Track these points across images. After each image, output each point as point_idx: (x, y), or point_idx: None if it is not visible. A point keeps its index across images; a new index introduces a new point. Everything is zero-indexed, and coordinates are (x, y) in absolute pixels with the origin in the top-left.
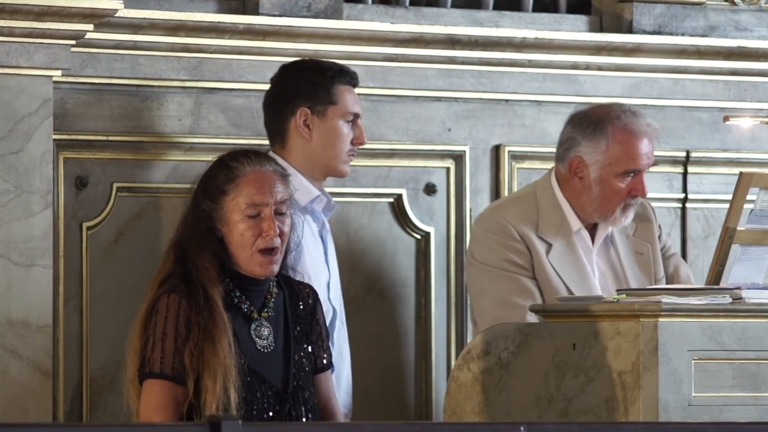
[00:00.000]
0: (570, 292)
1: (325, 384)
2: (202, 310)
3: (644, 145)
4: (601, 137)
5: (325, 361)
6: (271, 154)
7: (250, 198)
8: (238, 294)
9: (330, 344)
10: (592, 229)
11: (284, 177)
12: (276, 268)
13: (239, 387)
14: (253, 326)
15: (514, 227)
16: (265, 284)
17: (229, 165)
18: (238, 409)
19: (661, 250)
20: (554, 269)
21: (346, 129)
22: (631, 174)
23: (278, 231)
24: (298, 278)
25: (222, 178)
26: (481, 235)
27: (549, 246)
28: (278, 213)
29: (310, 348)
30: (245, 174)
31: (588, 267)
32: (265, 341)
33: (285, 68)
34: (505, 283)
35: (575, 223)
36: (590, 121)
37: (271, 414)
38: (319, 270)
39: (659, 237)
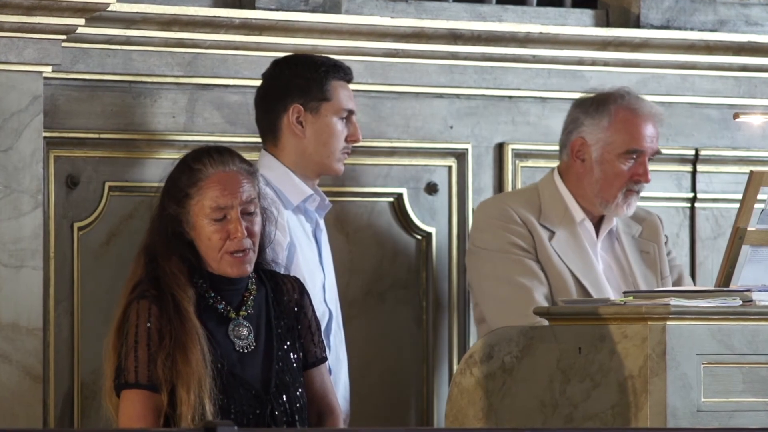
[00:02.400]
0: (575, 278)
1: (320, 378)
2: (173, 318)
3: (647, 127)
4: (604, 115)
5: (317, 355)
6: (262, 152)
7: (215, 201)
8: (212, 294)
9: (323, 338)
10: (597, 224)
11: (251, 174)
12: (249, 267)
13: (215, 396)
14: (230, 326)
15: (516, 212)
16: (242, 282)
17: (192, 167)
18: (214, 418)
19: (667, 255)
20: (558, 255)
21: (340, 126)
22: (633, 156)
23: (246, 232)
24: (276, 269)
25: (185, 181)
26: (483, 221)
27: (552, 233)
28: (245, 213)
29: (297, 344)
30: (208, 176)
31: (592, 256)
32: (245, 341)
33: (277, 63)
34: (509, 264)
35: (578, 214)
36: (593, 101)
37: (251, 417)
38: (314, 271)
39: (665, 244)
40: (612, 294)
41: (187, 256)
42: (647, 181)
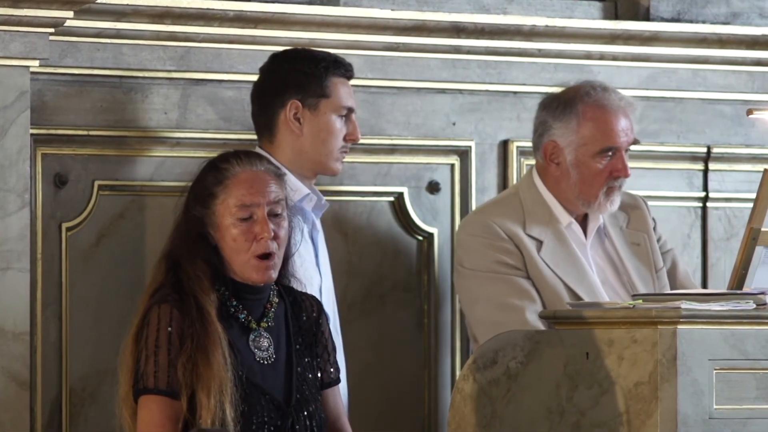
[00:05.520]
0: (568, 288)
1: (333, 400)
2: (195, 321)
3: (619, 121)
4: (571, 116)
5: (332, 376)
6: (258, 149)
7: (240, 199)
8: (234, 303)
9: (337, 359)
10: (583, 223)
11: (278, 176)
12: (274, 274)
13: (236, 401)
14: (251, 337)
15: (501, 227)
16: (264, 293)
17: (219, 166)
18: (235, 424)
19: (657, 242)
20: (548, 266)
21: (338, 124)
22: (609, 153)
23: (273, 234)
24: (294, 284)
25: (211, 181)
26: (467, 241)
27: (539, 243)
28: (272, 214)
29: (315, 362)
30: (235, 174)
31: (584, 261)
32: (265, 353)
33: (275, 57)
34: (498, 285)
35: (564, 217)
36: (559, 102)
37: (272, 428)
38: (311, 274)
39: (654, 229)
40: (608, 298)
41: (212, 259)
42: (627, 175)
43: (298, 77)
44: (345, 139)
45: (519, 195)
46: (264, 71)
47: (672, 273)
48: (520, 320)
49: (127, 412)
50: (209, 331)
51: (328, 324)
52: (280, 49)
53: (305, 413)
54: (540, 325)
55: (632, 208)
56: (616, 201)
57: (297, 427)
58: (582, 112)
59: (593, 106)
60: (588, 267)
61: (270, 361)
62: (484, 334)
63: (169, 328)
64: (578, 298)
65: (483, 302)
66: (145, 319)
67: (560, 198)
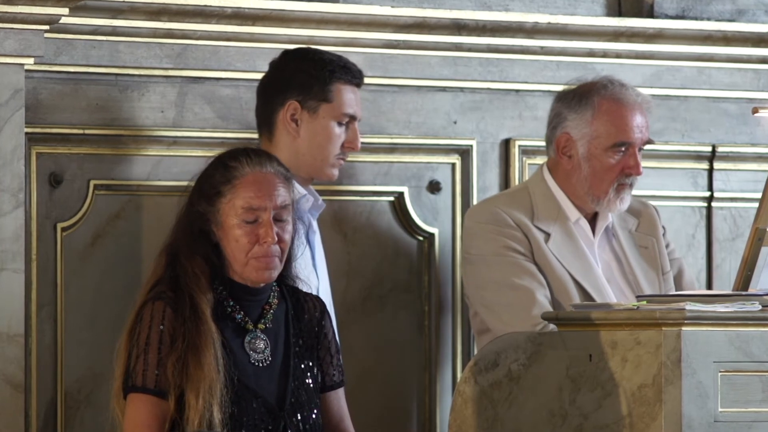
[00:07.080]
0: (575, 281)
1: (337, 403)
2: (188, 320)
3: (634, 117)
4: (587, 108)
5: (335, 378)
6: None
7: (248, 201)
8: (231, 303)
9: (341, 361)
10: (592, 221)
11: (287, 179)
12: (274, 274)
13: (225, 403)
14: (247, 338)
15: (509, 215)
16: (263, 294)
17: (227, 164)
18: (222, 426)
19: (666, 248)
20: (556, 258)
21: (337, 130)
22: (622, 148)
23: (277, 238)
24: (299, 285)
25: (219, 178)
26: (474, 228)
27: (547, 235)
28: (278, 219)
29: (315, 364)
30: (244, 175)
31: (590, 256)
32: (261, 355)
33: (286, 54)
34: (505, 267)
35: (573, 213)
36: (575, 94)
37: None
38: (308, 276)
39: (663, 236)
40: (614, 295)
41: (211, 257)
42: (639, 173)
43: (302, 78)
44: (343, 147)
45: (528, 189)
46: (272, 66)
47: (677, 281)
48: (529, 300)
49: (118, 407)
50: (202, 330)
51: (332, 325)
52: (279, 46)
53: (298, 417)
54: (549, 306)
55: (643, 213)
56: (626, 199)
57: (289, 431)
58: (597, 104)
59: (609, 100)
60: (594, 263)
61: (265, 364)
62: (495, 317)
63: (161, 326)
64: (584, 290)
65: (491, 285)
66: (138, 315)
67: (570, 194)
